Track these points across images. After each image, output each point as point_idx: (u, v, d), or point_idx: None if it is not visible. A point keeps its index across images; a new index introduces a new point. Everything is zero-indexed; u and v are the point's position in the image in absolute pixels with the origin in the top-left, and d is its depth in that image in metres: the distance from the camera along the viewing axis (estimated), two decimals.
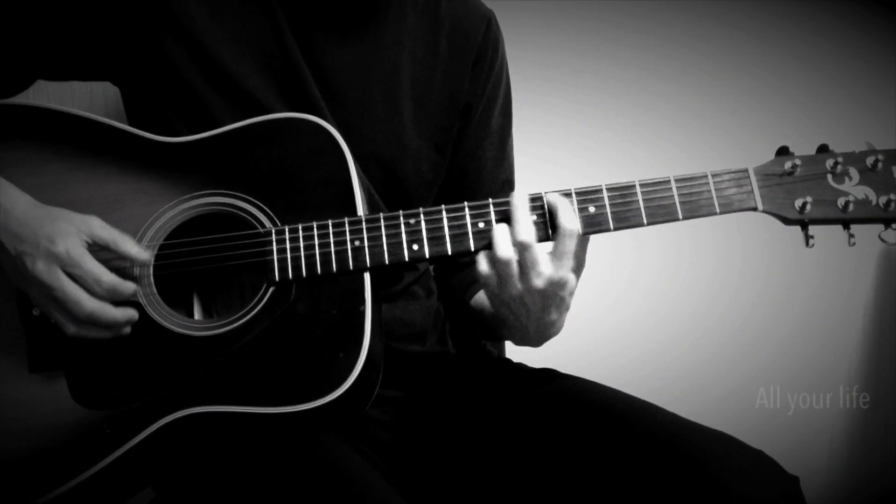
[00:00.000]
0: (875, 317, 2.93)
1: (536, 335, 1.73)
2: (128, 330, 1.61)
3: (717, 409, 2.71)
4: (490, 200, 1.64)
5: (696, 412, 1.72)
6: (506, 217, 1.62)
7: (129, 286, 1.59)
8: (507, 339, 1.81)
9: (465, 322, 2.02)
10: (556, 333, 1.75)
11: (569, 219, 1.60)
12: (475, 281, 1.95)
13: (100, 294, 1.57)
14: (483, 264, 1.61)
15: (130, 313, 1.60)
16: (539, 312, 1.65)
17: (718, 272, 2.74)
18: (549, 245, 1.62)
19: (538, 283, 1.59)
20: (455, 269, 2.02)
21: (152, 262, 1.65)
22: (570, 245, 1.60)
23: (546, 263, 1.59)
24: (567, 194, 1.63)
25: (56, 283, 1.55)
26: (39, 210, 1.62)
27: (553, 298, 1.62)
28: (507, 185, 2.03)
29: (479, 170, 1.99)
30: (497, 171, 2.01)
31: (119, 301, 1.59)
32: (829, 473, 3.01)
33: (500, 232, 1.60)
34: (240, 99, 1.77)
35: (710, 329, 2.75)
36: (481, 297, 1.93)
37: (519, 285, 1.60)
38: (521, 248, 1.58)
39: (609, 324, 2.62)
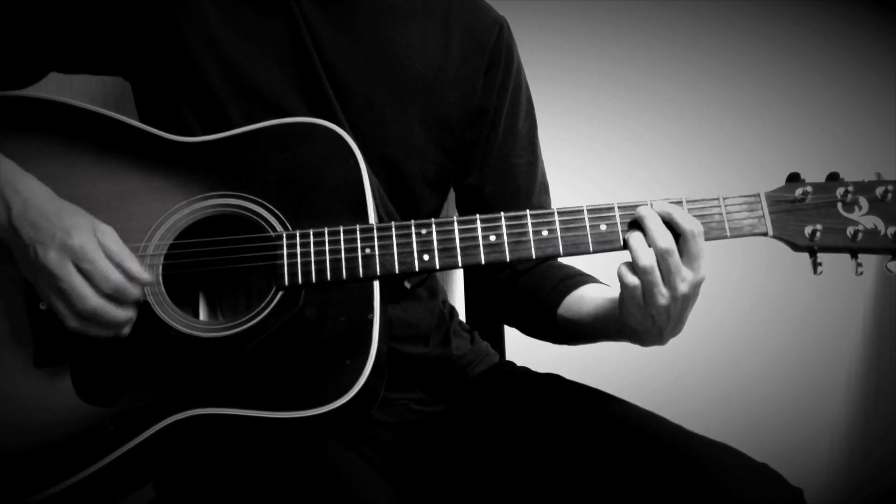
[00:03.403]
0: (875, 317, 2.93)
1: (670, 336, 1.68)
2: (126, 331, 1.61)
3: (717, 410, 2.73)
4: (502, 214, 1.64)
5: (695, 413, 1.73)
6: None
7: (134, 290, 1.60)
8: (627, 341, 1.78)
9: (548, 331, 1.96)
10: (682, 330, 1.70)
11: (689, 220, 1.59)
12: (554, 287, 1.91)
13: (105, 292, 1.57)
14: (628, 276, 1.59)
15: (130, 315, 1.60)
16: (679, 315, 1.62)
17: (719, 272, 2.72)
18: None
19: (683, 287, 1.57)
20: (515, 278, 1.98)
21: (159, 280, 1.65)
22: (700, 244, 1.58)
23: (686, 269, 1.58)
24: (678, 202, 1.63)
25: (65, 274, 1.56)
26: (59, 203, 1.62)
27: (692, 298, 1.61)
28: (543, 188, 2.03)
29: (516, 176, 1.98)
30: (533, 174, 2.01)
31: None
32: (829, 473, 3.01)
33: (636, 240, 1.59)
34: (253, 94, 1.78)
35: (711, 329, 2.74)
36: (579, 307, 1.87)
37: (665, 293, 1.57)
38: (665, 255, 1.56)
39: None
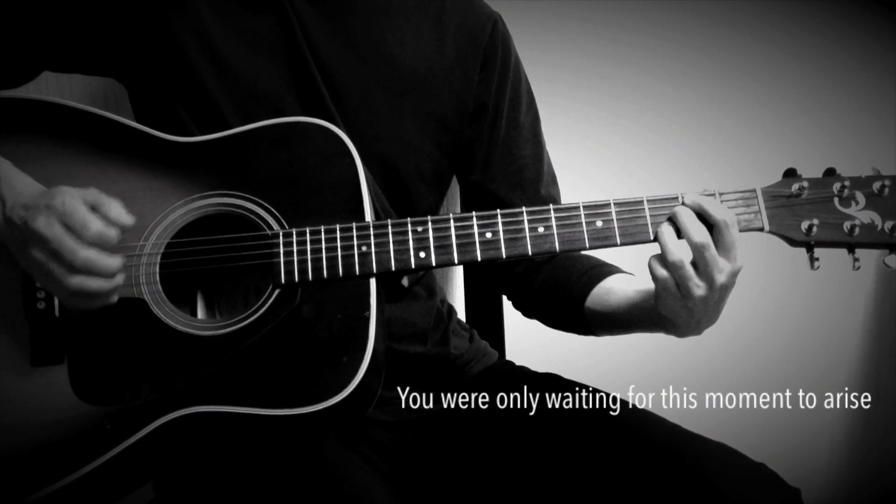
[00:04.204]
0: (875, 317, 2.93)
1: (707, 325, 1.69)
2: (120, 280, 1.57)
3: (716, 410, 2.72)
4: (498, 211, 1.64)
5: (695, 414, 1.73)
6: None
7: (112, 232, 1.55)
8: (661, 332, 1.77)
9: (574, 323, 1.94)
10: (717, 319, 1.69)
11: (721, 211, 1.59)
12: (579, 279, 1.90)
13: (88, 240, 1.53)
14: (658, 269, 1.59)
15: (120, 262, 1.56)
16: (715, 305, 1.62)
17: None
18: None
19: (721, 278, 1.57)
20: (534, 270, 1.97)
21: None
22: (735, 233, 1.58)
23: (723, 259, 1.58)
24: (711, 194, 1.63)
25: (52, 234, 1.52)
26: (47, 186, 1.61)
27: (729, 288, 1.61)
28: (551, 179, 2.03)
29: (522, 169, 1.98)
30: (539, 165, 2.00)
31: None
32: (829, 473, 3.01)
33: (666, 235, 1.59)
34: (248, 94, 1.79)
35: (710, 330, 2.74)
36: (609, 299, 1.85)
37: (702, 285, 1.58)
38: (701, 248, 1.57)
39: None
